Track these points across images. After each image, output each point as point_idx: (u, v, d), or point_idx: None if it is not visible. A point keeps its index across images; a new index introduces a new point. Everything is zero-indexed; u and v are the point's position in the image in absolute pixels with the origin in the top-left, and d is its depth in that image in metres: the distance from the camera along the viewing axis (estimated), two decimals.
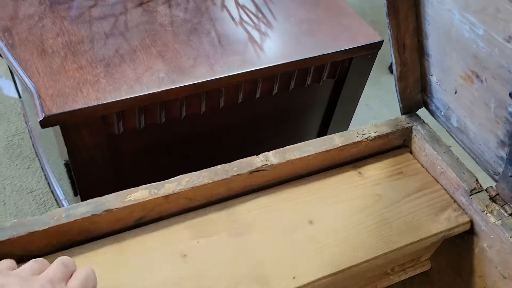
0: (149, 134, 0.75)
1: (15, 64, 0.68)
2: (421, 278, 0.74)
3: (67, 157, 0.69)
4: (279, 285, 0.55)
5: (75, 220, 0.55)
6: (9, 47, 0.70)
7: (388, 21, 0.60)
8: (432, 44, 0.62)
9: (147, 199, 0.58)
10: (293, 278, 0.56)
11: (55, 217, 0.55)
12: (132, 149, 0.76)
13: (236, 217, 0.62)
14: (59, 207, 1.14)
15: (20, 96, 1.36)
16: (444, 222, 0.63)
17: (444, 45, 0.60)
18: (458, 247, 0.68)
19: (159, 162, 0.81)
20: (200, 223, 0.61)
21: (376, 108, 1.76)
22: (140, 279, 0.55)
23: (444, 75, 0.64)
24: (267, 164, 0.64)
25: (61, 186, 1.12)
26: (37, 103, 0.63)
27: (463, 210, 0.65)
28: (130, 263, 0.56)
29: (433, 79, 0.67)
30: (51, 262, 0.55)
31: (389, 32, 0.62)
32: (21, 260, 0.55)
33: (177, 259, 0.57)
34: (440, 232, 0.63)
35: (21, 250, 0.54)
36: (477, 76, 0.56)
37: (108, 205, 0.57)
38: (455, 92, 0.63)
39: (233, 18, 0.83)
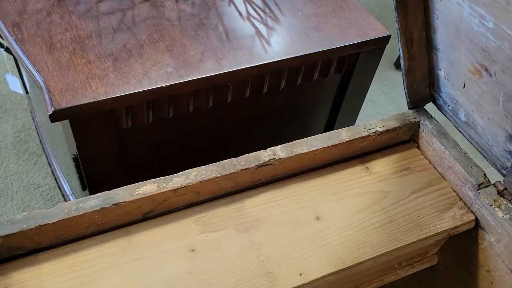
0: (157, 128, 0.75)
1: (24, 58, 0.68)
2: (428, 272, 0.74)
3: (75, 151, 0.70)
4: (286, 282, 0.56)
5: (85, 213, 0.56)
6: (19, 42, 0.70)
7: (396, 15, 0.60)
8: (441, 38, 0.62)
9: (155, 192, 0.59)
10: (300, 274, 0.56)
11: (65, 210, 0.56)
12: (141, 143, 0.76)
13: (243, 212, 0.62)
14: None
15: (27, 92, 1.37)
16: (449, 220, 0.63)
17: (452, 39, 0.60)
18: (466, 241, 0.68)
19: (167, 156, 0.81)
20: (208, 217, 0.61)
21: (381, 104, 1.75)
22: (149, 272, 0.55)
23: (452, 69, 0.64)
24: (274, 158, 0.64)
25: (68, 182, 1.13)
26: (47, 97, 0.63)
27: (468, 208, 0.65)
28: (139, 257, 0.57)
29: (441, 73, 0.66)
30: (60, 254, 0.56)
31: (397, 26, 0.62)
32: (31, 252, 0.56)
33: (185, 253, 0.57)
34: (445, 231, 0.63)
35: (31, 243, 0.55)
36: (486, 70, 0.56)
37: (117, 199, 0.57)
38: (463, 86, 0.63)
39: (240, 13, 0.83)
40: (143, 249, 0.57)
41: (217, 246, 0.58)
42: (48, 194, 1.33)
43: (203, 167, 0.61)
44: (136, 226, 0.60)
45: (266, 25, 0.82)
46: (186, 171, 0.61)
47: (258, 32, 0.80)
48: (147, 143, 0.77)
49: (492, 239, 0.63)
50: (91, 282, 0.54)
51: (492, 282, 0.65)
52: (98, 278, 0.54)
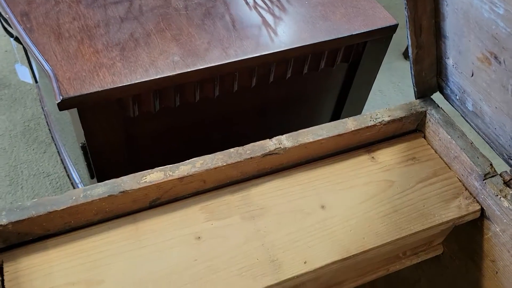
0: (164, 117, 0.75)
1: (33, 48, 0.69)
2: (433, 262, 0.74)
3: (83, 140, 0.70)
4: (290, 270, 0.56)
5: (92, 201, 0.57)
6: (27, 31, 0.71)
7: (405, 1, 0.60)
8: (450, 25, 0.62)
9: (162, 180, 0.59)
10: (304, 262, 0.57)
11: (73, 197, 0.56)
12: (148, 132, 0.77)
13: (249, 200, 0.63)
14: None
15: (36, 81, 1.38)
16: (455, 210, 0.63)
17: (462, 26, 0.59)
18: (471, 231, 0.68)
19: (174, 145, 0.82)
20: (214, 206, 0.62)
21: (389, 94, 1.74)
22: (155, 259, 0.56)
23: (460, 57, 0.63)
24: (280, 147, 0.64)
25: (77, 170, 1.14)
26: (55, 86, 0.64)
27: (474, 198, 0.65)
28: (145, 243, 0.57)
29: (449, 62, 0.66)
30: (68, 241, 0.57)
31: (406, 14, 0.61)
32: (40, 238, 0.57)
33: (191, 241, 0.58)
34: (450, 220, 0.63)
35: (40, 229, 0.56)
36: (496, 58, 0.55)
37: (124, 186, 0.58)
38: (472, 75, 0.62)
39: (247, 2, 0.83)
40: (150, 236, 0.58)
41: (222, 233, 0.59)
42: (57, 183, 1.35)
43: (209, 155, 0.62)
44: (143, 214, 0.60)
45: (272, 14, 0.81)
46: (192, 159, 0.61)
47: (264, 21, 0.80)
48: (154, 132, 0.77)
49: (497, 229, 0.63)
50: (98, 268, 0.54)
51: (497, 272, 0.65)
52: (105, 264, 0.55)
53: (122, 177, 0.59)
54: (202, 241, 0.58)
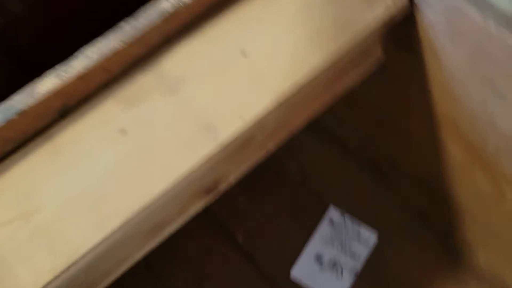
0: (34, 12, 0.64)
1: None
2: (379, 72, 0.71)
3: None
4: (227, 129, 0.52)
5: None
6: None
7: None
8: None
9: (58, 85, 0.52)
10: (240, 117, 0.53)
11: None
12: (26, 36, 0.66)
13: (164, 74, 0.56)
14: None
15: None
16: (381, 9, 0.57)
17: None
18: (406, 29, 0.63)
19: (64, 40, 0.71)
20: (128, 93, 0.55)
21: None
22: (85, 169, 0.51)
23: None
24: (179, 4, 0.55)
25: None
26: None
27: None
28: (69, 157, 0.52)
29: None
30: None
31: None
32: None
33: (116, 137, 0.53)
34: (380, 23, 0.57)
35: None
36: None
37: (19, 106, 0.51)
38: None
39: None
40: (71, 148, 0.53)
41: (147, 118, 0.54)
42: None
43: (101, 39, 0.53)
44: (56, 127, 0.54)
45: None
46: (84, 50, 0.53)
47: None
48: (34, 34, 0.66)
49: (430, 16, 0.58)
50: (29, 198, 0.50)
51: (440, 62, 0.63)
52: (35, 192, 0.51)
53: (12, 97, 0.51)
54: (128, 133, 0.53)
